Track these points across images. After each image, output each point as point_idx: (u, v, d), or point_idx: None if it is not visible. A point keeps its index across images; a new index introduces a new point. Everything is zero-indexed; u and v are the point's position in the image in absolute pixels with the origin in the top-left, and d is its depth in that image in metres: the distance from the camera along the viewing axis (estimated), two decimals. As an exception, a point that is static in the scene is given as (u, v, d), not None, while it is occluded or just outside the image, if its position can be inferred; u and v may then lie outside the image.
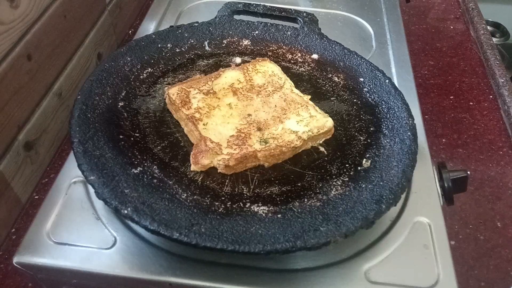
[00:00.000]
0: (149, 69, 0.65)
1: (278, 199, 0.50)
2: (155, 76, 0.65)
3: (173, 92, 0.59)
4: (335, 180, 0.53)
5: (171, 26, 0.72)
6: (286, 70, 0.67)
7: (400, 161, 0.53)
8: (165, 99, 0.61)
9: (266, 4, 0.77)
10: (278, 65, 0.67)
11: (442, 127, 0.83)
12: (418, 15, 1.13)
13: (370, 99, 0.64)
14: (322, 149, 0.57)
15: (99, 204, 0.53)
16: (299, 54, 0.72)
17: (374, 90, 0.64)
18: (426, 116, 0.85)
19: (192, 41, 0.71)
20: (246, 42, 0.73)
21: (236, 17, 0.75)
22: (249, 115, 0.59)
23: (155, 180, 0.50)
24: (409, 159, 0.53)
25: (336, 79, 0.68)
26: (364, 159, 0.55)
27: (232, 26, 0.74)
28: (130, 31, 0.98)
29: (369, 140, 0.58)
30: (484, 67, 0.98)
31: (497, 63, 0.94)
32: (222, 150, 0.53)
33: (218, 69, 0.66)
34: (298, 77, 0.68)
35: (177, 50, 0.69)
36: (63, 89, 0.73)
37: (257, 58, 0.68)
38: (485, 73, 0.96)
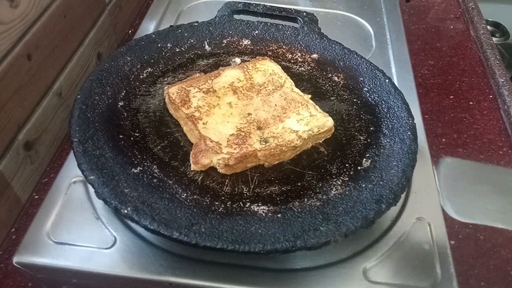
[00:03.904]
0: (149, 69, 0.65)
1: (278, 198, 0.50)
2: (155, 75, 0.65)
3: (172, 91, 0.59)
4: (335, 179, 0.53)
5: (171, 26, 0.72)
6: (286, 69, 0.67)
7: (400, 161, 0.53)
8: (164, 99, 0.61)
9: (266, 3, 0.77)
10: (278, 65, 0.67)
11: (442, 127, 0.83)
12: (418, 15, 1.13)
13: (370, 99, 0.63)
14: (322, 149, 0.57)
15: (99, 204, 0.53)
16: (299, 54, 0.72)
17: (374, 89, 0.64)
18: (426, 116, 0.84)
19: (192, 40, 0.71)
20: (246, 41, 0.73)
21: (236, 16, 0.75)
22: (249, 114, 0.58)
23: (155, 180, 0.50)
24: (409, 158, 0.53)
25: (336, 78, 0.68)
26: (364, 159, 0.55)
27: (232, 26, 0.73)
28: (130, 31, 0.98)
29: (369, 140, 0.58)
30: (484, 67, 0.98)
31: (497, 63, 0.94)
32: (222, 149, 0.53)
33: (218, 68, 0.66)
34: (298, 76, 0.68)
35: (177, 50, 0.69)
36: (63, 88, 0.73)
37: (257, 57, 0.68)
38: (485, 72, 0.96)
